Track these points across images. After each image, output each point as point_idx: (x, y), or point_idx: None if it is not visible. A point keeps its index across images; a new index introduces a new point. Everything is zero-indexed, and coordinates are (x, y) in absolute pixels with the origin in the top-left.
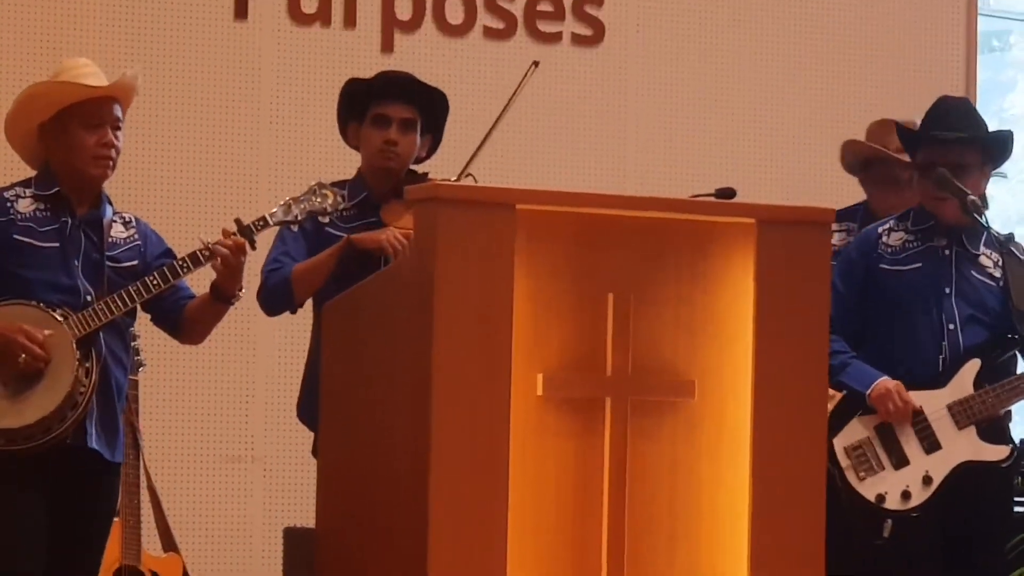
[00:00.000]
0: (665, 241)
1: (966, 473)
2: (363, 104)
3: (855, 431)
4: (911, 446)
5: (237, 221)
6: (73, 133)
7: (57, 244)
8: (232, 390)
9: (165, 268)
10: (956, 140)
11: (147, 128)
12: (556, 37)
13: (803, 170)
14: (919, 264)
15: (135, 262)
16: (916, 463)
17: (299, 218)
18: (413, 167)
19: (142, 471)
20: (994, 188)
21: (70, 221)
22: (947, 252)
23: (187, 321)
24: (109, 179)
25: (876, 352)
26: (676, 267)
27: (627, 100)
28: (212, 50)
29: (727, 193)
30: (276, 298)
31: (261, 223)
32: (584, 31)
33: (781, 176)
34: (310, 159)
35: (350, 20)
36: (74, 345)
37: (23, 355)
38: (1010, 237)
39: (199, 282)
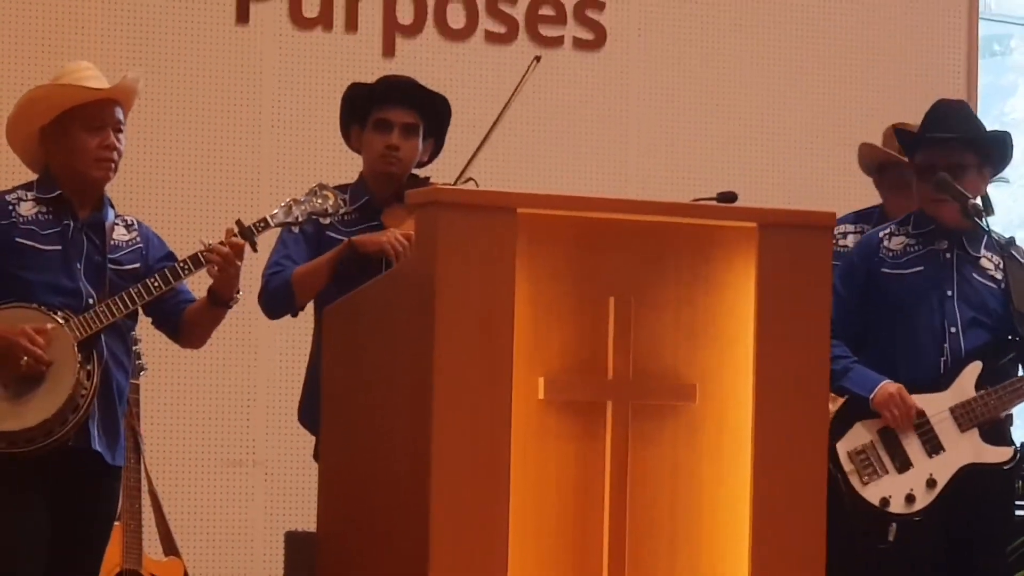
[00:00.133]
0: (666, 245)
1: (969, 475)
2: (365, 108)
3: (858, 436)
4: (914, 449)
5: (238, 223)
6: (75, 136)
7: (59, 247)
8: (233, 394)
9: (166, 270)
10: (953, 140)
11: (149, 131)
12: (557, 41)
13: (805, 174)
14: (920, 268)
15: (137, 265)
16: (920, 466)
17: (300, 219)
18: (415, 171)
19: (143, 475)
20: (996, 192)
21: (72, 224)
22: (948, 255)
23: (187, 325)
24: (111, 182)
25: (878, 356)
26: (677, 271)
27: (628, 104)
28: (214, 54)
29: (728, 197)
30: (277, 301)
31: (262, 224)
32: (585, 35)
33: (783, 180)
34: (311, 163)
35: (351, 24)
36: (75, 348)
37: (25, 358)
38: (1011, 241)
39: (199, 285)
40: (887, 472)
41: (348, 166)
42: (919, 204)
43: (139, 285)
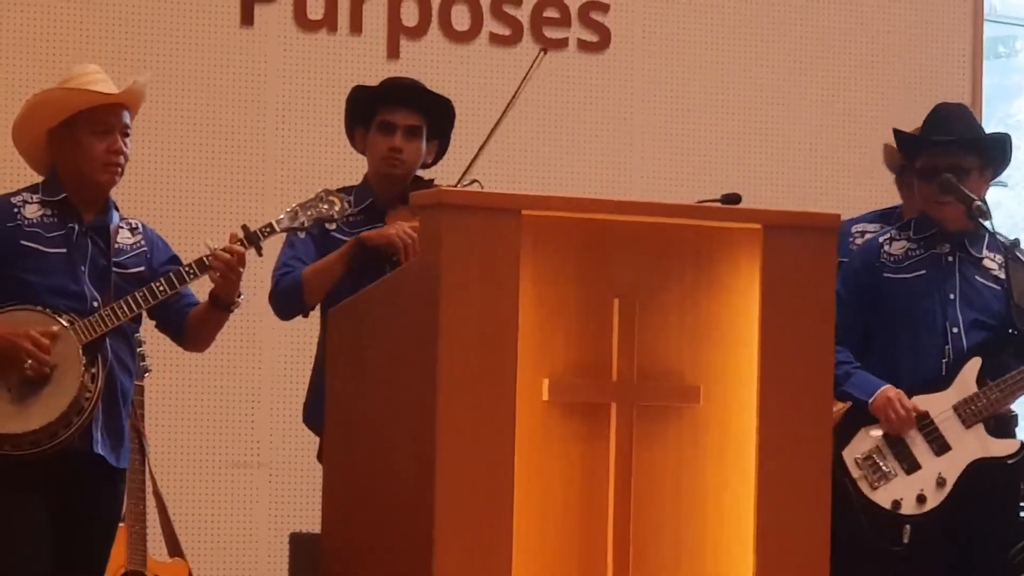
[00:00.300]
0: (670, 246)
1: (977, 471)
2: (369, 110)
3: (863, 442)
4: (921, 450)
5: (244, 228)
6: (82, 140)
7: (64, 250)
8: (238, 395)
9: (171, 274)
10: (956, 143)
11: (154, 134)
12: (562, 43)
13: (809, 176)
14: (922, 271)
15: (141, 268)
16: (928, 466)
17: (306, 224)
18: (419, 173)
19: (148, 477)
20: (1001, 195)
21: (77, 227)
22: (950, 259)
23: (190, 328)
24: (116, 185)
25: (881, 361)
26: (681, 272)
27: (633, 106)
28: (218, 57)
29: (733, 199)
30: (288, 301)
31: (268, 229)
32: (590, 37)
33: (787, 182)
34: (316, 165)
35: (356, 27)
36: (80, 351)
37: (29, 360)
38: (1015, 243)
39: (203, 289)
40: (896, 475)
41: (353, 168)
42: (922, 206)
43: (144, 289)
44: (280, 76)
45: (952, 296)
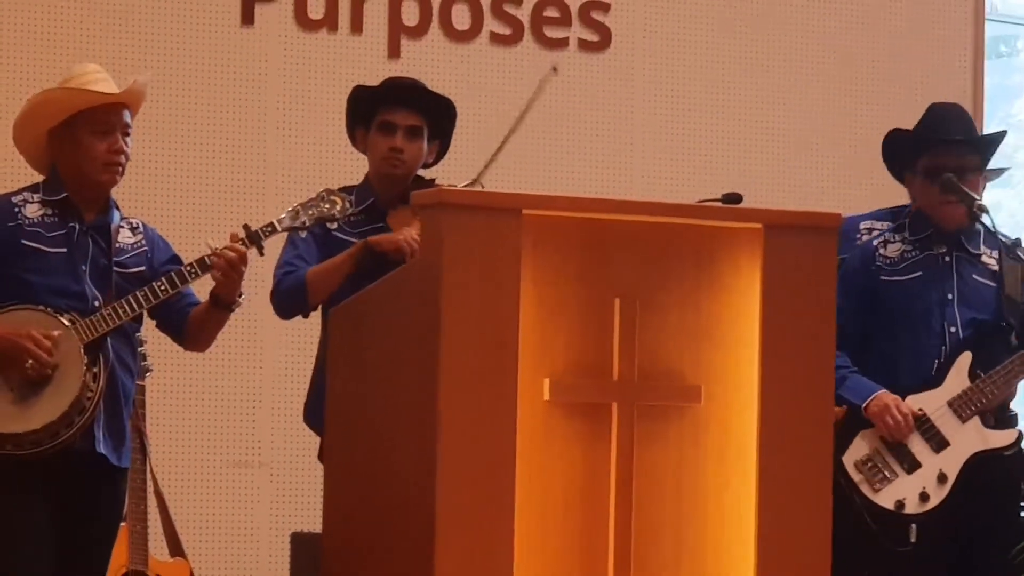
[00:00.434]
0: (671, 246)
1: (976, 466)
2: (370, 110)
3: (862, 446)
4: (920, 448)
5: (245, 227)
6: (83, 140)
7: (65, 250)
8: (239, 395)
9: (172, 274)
10: (961, 143)
11: (154, 134)
12: (563, 43)
13: (810, 176)
14: (919, 273)
15: (142, 268)
16: (928, 464)
17: (307, 224)
18: (420, 173)
19: (149, 476)
20: (1002, 195)
21: (78, 227)
22: (947, 259)
23: (191, 328)
24: (117, 185)
25: (881, 362)
26: (682, 272)
27: (633, 105)
28: (219, 56)
29: (734, 198)
30: (290, 300)
31: (269, 229)
32: (591, 37)
33: (788, 182)
34: (317, 165)
35: (357, 26)
36: (82, 350)
37: (31, 360)
38: (1017, 242)
39: (203, 288)
40: (897, 476)
41: (353, 167)
42: (923, 206)
43: (145, 288)
44: (281, 76)
45: (950, 296)
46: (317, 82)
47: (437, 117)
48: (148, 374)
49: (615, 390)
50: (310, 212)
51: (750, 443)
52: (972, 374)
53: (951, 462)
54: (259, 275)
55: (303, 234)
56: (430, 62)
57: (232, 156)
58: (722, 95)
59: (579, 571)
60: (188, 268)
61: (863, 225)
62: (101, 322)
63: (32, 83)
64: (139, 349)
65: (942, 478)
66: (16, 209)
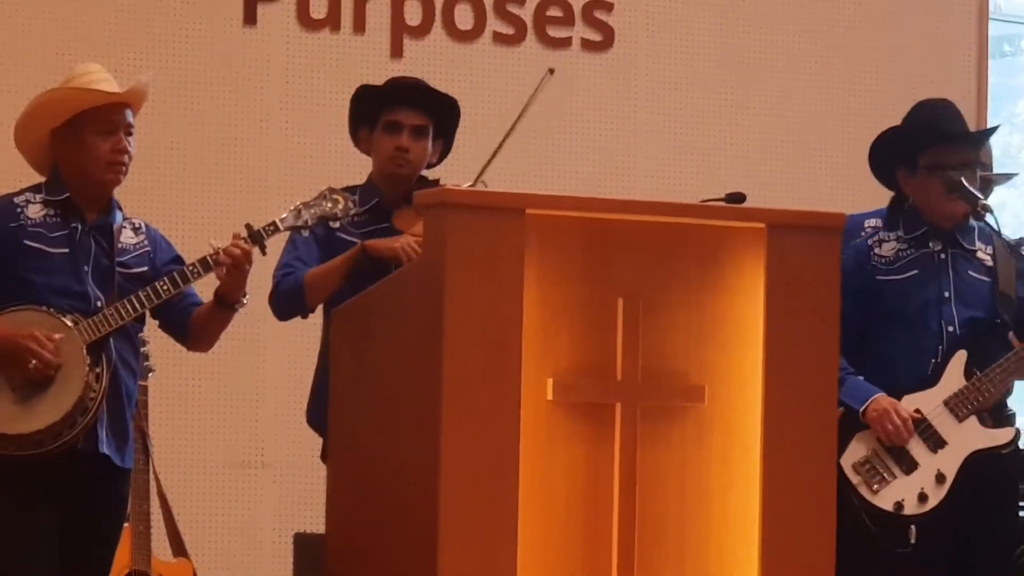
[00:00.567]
0: (675, 246)
1: (974, 466)
2: (374, 110)
3: (859, 447)
4: (917, 449)
5: (247, 226)
6: (87, 139)
7: (67, 250)
8: (241, 396)
9: (175, 273)
10: (966, 138)
11: (156, 133)
12: (566, 42)
13: (813, 175)
14: (915, 271)
15: (145, 268)
16: (926, 464)
17: (309, 223)
18: (424, 173)
19: (152, 476)
20: (1007, 195)
21: (80, 227)
22: (943, 256)
23: (195, 327)
24: (120, 184)
25: (878, 363)
26: (686, 272)
27: (636, 105)
28: (221, 56)
29: (737, 198)
30: (288, 302)
31: (271, 228)
32: (594, 36)
33: (791, 181)
34: (319, 164)
35: (359, 26)
36: (84, 351)
37: (34, 360)
38: (1020, 241)
39: (207, 288)
40: (895, 477)
41: (356, 167)
42: (922, 202)
43: (148, 288)
44: (283, 75)
45: (947, 294)
46: (319, 82)
47: (442, 117)
48: (151, 374)
49: (618, 390)
50: (312, 211)
51: (754, 443)
52: (968, 373)
53: (949, 462)
54: (261, 275)
55: (305, 233)
56: (433, 62)
57: (234, 156)
58: (725, 95)
59: (582, 571)
60: (190, 268)
61: (868, 224)
62: (104, 322)
63: (34, 83)
64: (142, 349)
65: (940, 478)
66: (18, 210)
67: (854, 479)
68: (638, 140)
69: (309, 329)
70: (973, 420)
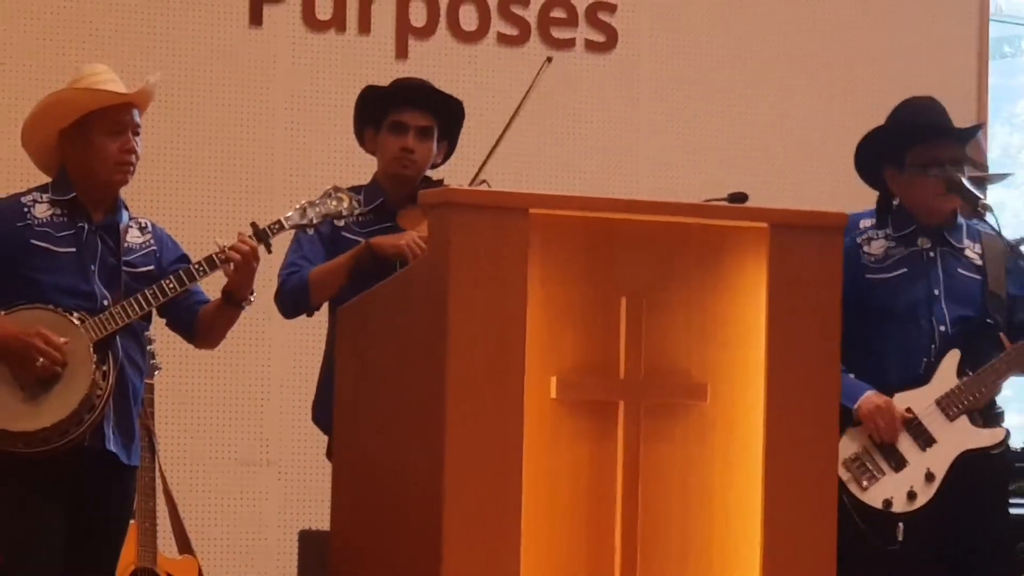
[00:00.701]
0: (678, 245)
1: (964, 465)
2: (380, 111)
3: (849, 445)
4: (907, 447)
5: (253, 225)
6: (95, 140)
7: (74, 249)
8: (247, 393)
9: (181, 272)
10: (954, 134)
11: (163, 134)
12: (569, 43)
13: (815, 175)
14: (904, 270)
15: (151, 267)
16: (915, 462)
17: (314, 222)
18: (428, 173)
19: (158, 474)
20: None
21: (86, 226)
22: (931, 254)
23: (201, 325)
24: (127, 184)
25: (869, 361)
26: (689, 271)
27: (639, 105)
28: (227, 56)
29: (739, 198)
30: (293, 301)
31: (276, 227)
32: (597, 37)
33: (793, 181)
34: (325, 165)
35: (364, 27)
36: (91, 349)
37: (40, 359)
38: (1020, 241)
39: (214, 286)
40: (884, 474)
41: (361, 167)
42: (912, 200)
43: (154, 287)
44: (289, 76)
45: (937, 292)
46: (325, 82)
47: (447, 117)
48: (157, 372)
49: (621, 388)
50: (317, 209)
51: (756, 441)
52: (960, 372)
53: (939, 461)
54: (267, 274)
55: (310, 232)
56: (437, 62)
57: (240, 156)
58: (727, 95)
59: (585, 568)
60: (196, 266)
61: (863, 223)
62: (110, 321)
63: (39, 84)
64: (148, 348)
65: (929, 477)
66: (25, 209)
67: (843, 475)
68: (641, 140)
69: (315, 327)
70: (964, 420)
